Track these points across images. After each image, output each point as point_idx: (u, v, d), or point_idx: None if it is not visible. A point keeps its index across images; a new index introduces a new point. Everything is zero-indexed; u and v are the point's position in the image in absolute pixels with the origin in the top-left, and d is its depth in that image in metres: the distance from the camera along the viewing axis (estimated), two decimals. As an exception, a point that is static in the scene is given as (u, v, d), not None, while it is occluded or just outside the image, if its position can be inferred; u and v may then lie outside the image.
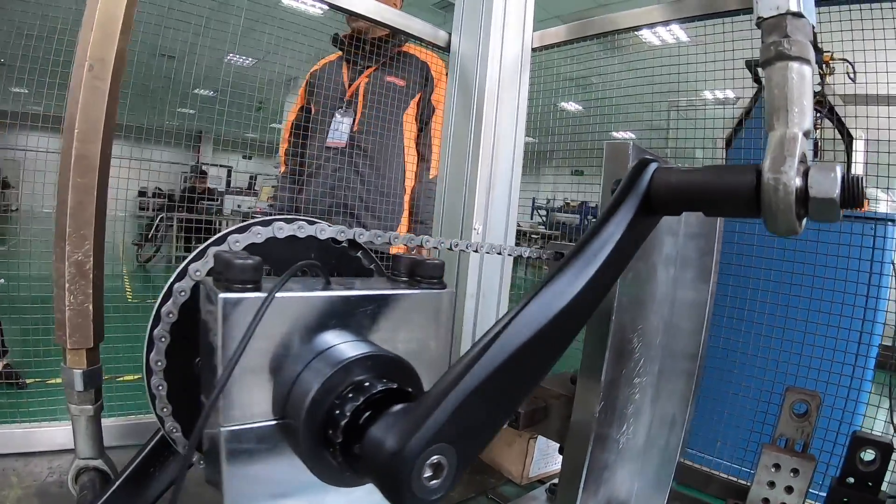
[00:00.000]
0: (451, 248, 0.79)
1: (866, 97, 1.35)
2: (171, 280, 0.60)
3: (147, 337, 0.60)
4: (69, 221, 0.71)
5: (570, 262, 0.56)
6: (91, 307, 0.73)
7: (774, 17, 0.56)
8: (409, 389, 0.51)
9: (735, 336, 1.28)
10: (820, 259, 1.22)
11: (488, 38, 1.50)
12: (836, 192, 0.49)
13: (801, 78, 0.55)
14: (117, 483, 0.68)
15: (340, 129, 1.91)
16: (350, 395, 0.48)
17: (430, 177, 1.94)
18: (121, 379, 1.93)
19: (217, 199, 5.13)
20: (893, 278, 1.37)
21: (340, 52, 2.00)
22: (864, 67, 1.36)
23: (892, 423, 1.25)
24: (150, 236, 4.88)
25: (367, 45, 1.87)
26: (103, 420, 1.12)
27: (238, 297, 0.47)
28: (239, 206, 5.01)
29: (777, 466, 1.04)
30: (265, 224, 0.63)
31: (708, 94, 2.97)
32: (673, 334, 1.05)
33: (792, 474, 1.02)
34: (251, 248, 0.62)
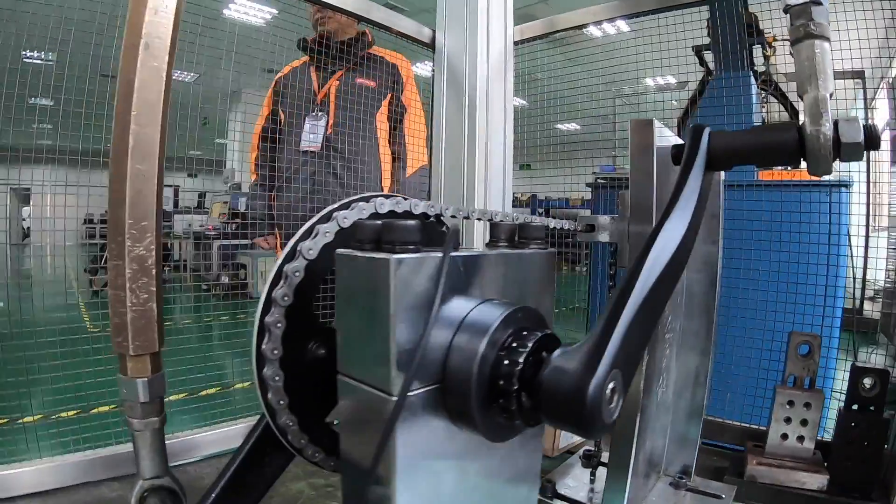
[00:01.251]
0: (554, 228, 0.81)
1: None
2: (280, 262, 0.57)
3: (257, 325, 0.56)
4: (128, 213, 0.64)
5: (671, 213, 0.62)
6: (154, 307, 0.67)
7: (800, 4, 0.69)
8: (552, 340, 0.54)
9: (733, 295, 1.41)
10: (786, 227, 1.37)
11: (475, 34, 1.54)
12: (860, 137, 0.63)
13: (824, 52, 0.68)
14: (214, 496, 0.63)
15: (315, 132, 1.87)
16: (514, 346, 0.49)
17: (407, 175, 1.94)
18: (94, 411, 1.75)
19: (167, 220, 4.75)
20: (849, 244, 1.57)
21: (307, 57, 1.97)
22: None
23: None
24: (103, 263, 4.42)
25: (335, 48, 1.85)
26: (79, 454, 1.03)
27: (410, 258, 0.46)
28: (190, 226, 4.66)
29: (791, 403, 1.15)
30: (366, 200, 0.62)
31: (650, 81, 3.20)
32: (690, 295, 1.14)
33: (805, 408, 1.14)
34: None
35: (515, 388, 0.48)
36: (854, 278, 1.65)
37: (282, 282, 0.56)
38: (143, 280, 0.65)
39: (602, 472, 1.21)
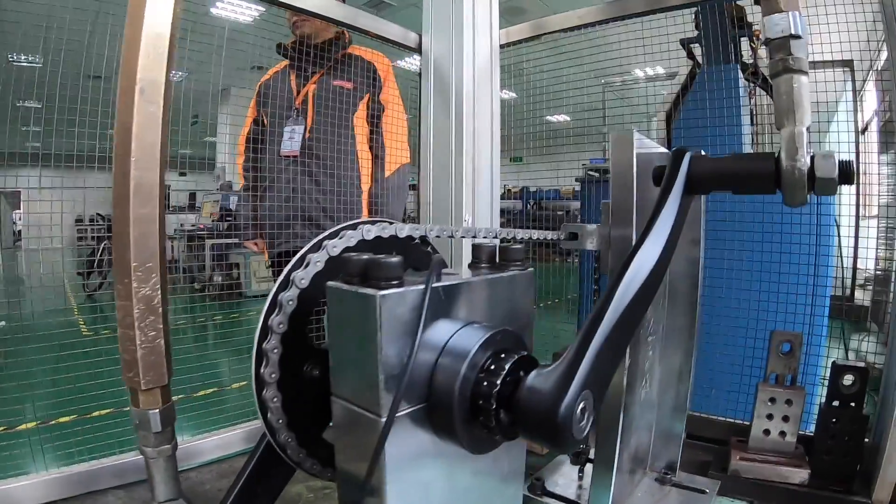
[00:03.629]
0: (507, 239, 0.84)
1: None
2: (275, 290, 0.61)
3: (255, 350, 0.60)
4: (133, 255, 0.67)
5: (646, 237, 0.66)
6: (163, 343, 0.71)
7: (780, 38, 0.71)
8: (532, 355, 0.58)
9: (717, 294, 1.45)
10: (779, 220, 1.40)
11: (461, 38, 1.57)
12: (835, 173, 0.67)
13: (802, 86, 0.71)
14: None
15: (293, 137, 1.84)
16: (493, 368, 0.53)
17: (386, 175, 1.89)
18: (95, 413, 1.79)
19: None
20: (837, 234, 1.61)
21: (287, 61, 1.93)
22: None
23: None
24: (94, 265, 4.45)
25: (312, 50, 1.80)
26: (84, 464, 1.07)
27: (393, 293, 0.49)
28: (182, 225, 4.68)
29: (773, 400, 1.19)
30: (353, 227, 0.66)
31: (639, 72, 3.20)
32: (673, 295, 1.18)
33: (787, 405, 1.18)
34: (345, 251, 0.64)
35: (494, 406, 0.52)
36: (843, 267, 1.69)
37: (277, 310, 0.60)
38: (150, 318, 0.69)
39: (591, 468, 1.25)
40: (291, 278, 0.60)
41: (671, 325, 1.18)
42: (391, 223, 0.70)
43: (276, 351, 0.60)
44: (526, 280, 0.68)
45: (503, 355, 0.55)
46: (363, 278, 0.52)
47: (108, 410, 1.92)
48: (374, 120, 1.90)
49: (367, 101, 1.89)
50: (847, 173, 0.67)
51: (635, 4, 1.46)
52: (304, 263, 0.62)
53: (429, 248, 0.77)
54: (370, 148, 1.92)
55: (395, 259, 0.51)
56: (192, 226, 4.46)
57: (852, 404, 1.13)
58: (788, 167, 0.67)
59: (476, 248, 0.69)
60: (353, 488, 0.56)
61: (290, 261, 1.60)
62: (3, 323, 1.24)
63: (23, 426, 1.53)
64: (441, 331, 0.56)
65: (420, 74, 1.70)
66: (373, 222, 0.68)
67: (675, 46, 1.95)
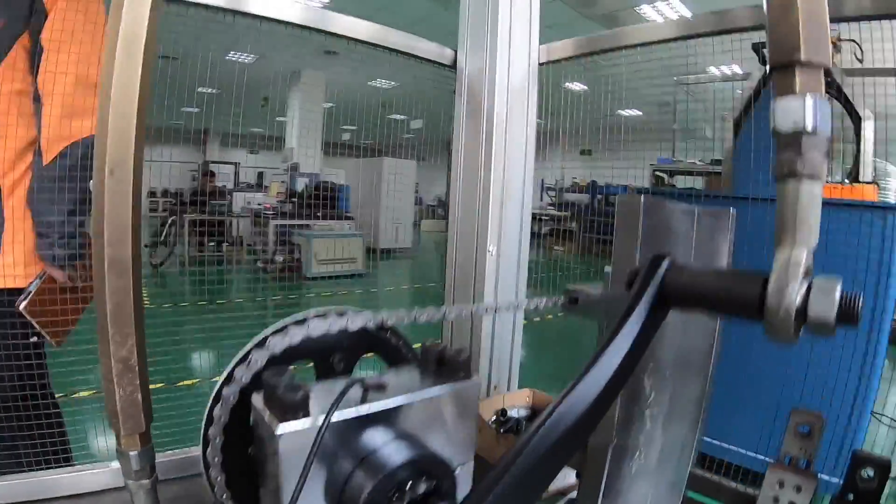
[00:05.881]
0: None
1: (874, 71, 1.34)
2: (220, 384, 0.66)
3: (202, 435, 0.66)
4: (110, 323, 0.75)
5: (594, 364, 0.60)
6: (139, 396, 0.79)
7: (790, 133, 0.55)
8: (444, 485, 0.58)
9: (744, 352, 1.33)
10: (831, 250, 1.23)
11: (495, 55, 1.50)
12: (832, 314, 0.52)
13: (811, 197, 0.55)
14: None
15: None
16: (396, 498, 0.54)
17: (45, 162, 1.18)
18: (156, 385, 1.99)
19: (227, 199, 5.13)
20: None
21: None
22: (871, 45, 1.34)
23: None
24: (162, 238, 4.94)
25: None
26: (113, 462, 1.19)
27: (293, 430, 0.52)
28: (249, 203, 4.98)
29: (781, 483, 1.10)
30: (300, 323, 0.68)
31: (714, 70, 2.92)
32: (684, 359, 1.10)
33: (795, 490, 1.09)
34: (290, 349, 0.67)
35: None
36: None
37: (220, 403, 0.65)
38: (128, 377, 0.77)
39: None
40: (234, 375, 0.65)
41: (680, 392, 1.11)
42: (342, 314, 0.71)
43: (218, 439, 0.65)
44: (467, 392, 0.67)
45: (410, 486, 0.56)
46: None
47: (160, 384, 2.14)
48: (35, 73, 1.19)
49: (27, 43, 1.18)
50: (850, 312, 0.52)
51: (701, 24, 1.30)
52: (248, 361, 0.66)
53: (390, 337, 0.78)
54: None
55: (298, 393, 0.53)
56: (259, 205, 4.72)
57: (868, 501, 1.02)
58: (773, 302, 0.53)
59: (424, 350, 0.69)
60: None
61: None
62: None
63: (86, 392, 1.73)
64: (358, 451, 0.57)
65: (455, 91, 1.65)
66: (321, 315, 0.70)
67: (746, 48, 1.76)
